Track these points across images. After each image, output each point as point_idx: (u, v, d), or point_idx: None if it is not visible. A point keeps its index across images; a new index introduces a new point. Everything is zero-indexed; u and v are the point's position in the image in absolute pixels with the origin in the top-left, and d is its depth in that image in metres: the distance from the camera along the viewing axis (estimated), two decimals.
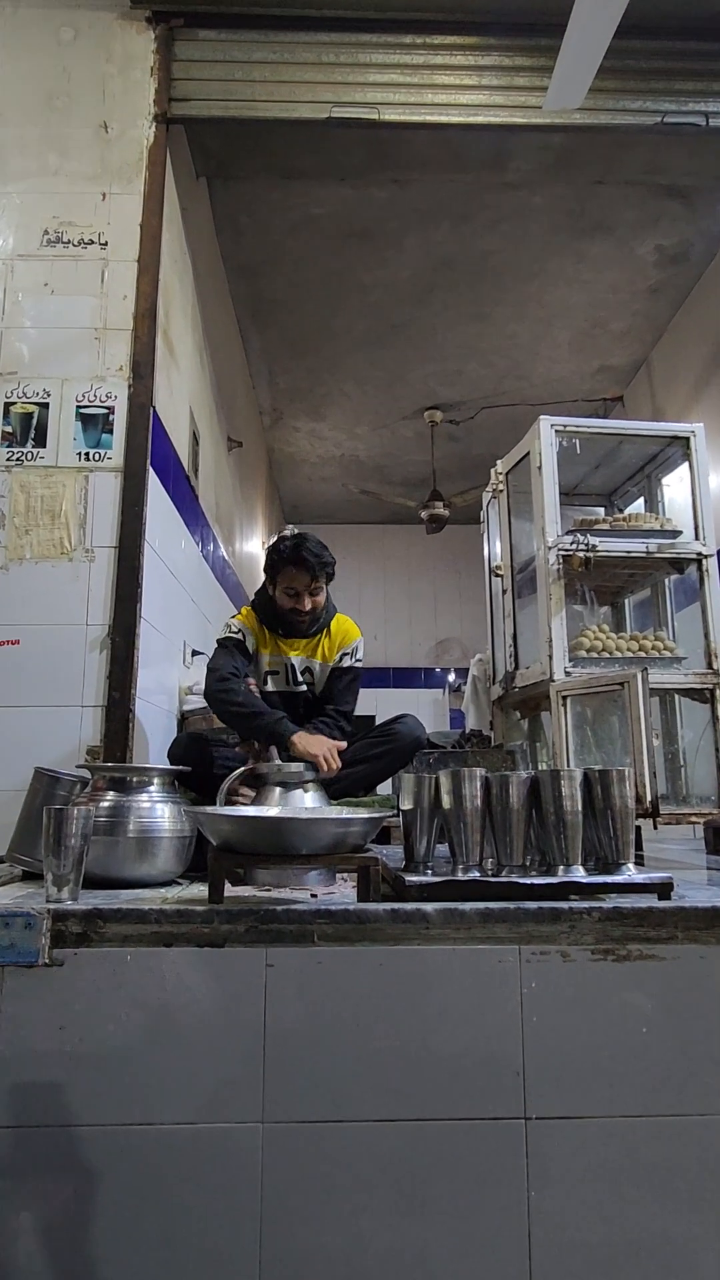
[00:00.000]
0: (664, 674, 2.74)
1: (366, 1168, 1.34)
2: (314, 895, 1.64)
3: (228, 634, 2.65)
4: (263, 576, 2.68)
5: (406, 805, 1.65)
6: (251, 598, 2.80)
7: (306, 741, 2.31)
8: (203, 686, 3.17)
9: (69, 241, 2.79)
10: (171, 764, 2.43)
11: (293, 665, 2.67)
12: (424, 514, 6.02)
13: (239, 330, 4.88)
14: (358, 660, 2.71)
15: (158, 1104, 1.35)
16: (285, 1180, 1.33)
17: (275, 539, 2.63)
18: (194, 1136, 1.34)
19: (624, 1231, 1.35)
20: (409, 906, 1.43)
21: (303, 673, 2.67)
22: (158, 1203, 1.32)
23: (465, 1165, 1.35)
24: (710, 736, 2.73)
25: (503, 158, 3.45)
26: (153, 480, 2.74)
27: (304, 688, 2.66)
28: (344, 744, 2.40)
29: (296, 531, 2.64)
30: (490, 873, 1.56)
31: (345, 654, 2.69)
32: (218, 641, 2.66)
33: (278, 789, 1.98)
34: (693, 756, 2.96)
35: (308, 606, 2.57)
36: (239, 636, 2.63)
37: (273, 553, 2.60)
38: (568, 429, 2.97)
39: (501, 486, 3.29)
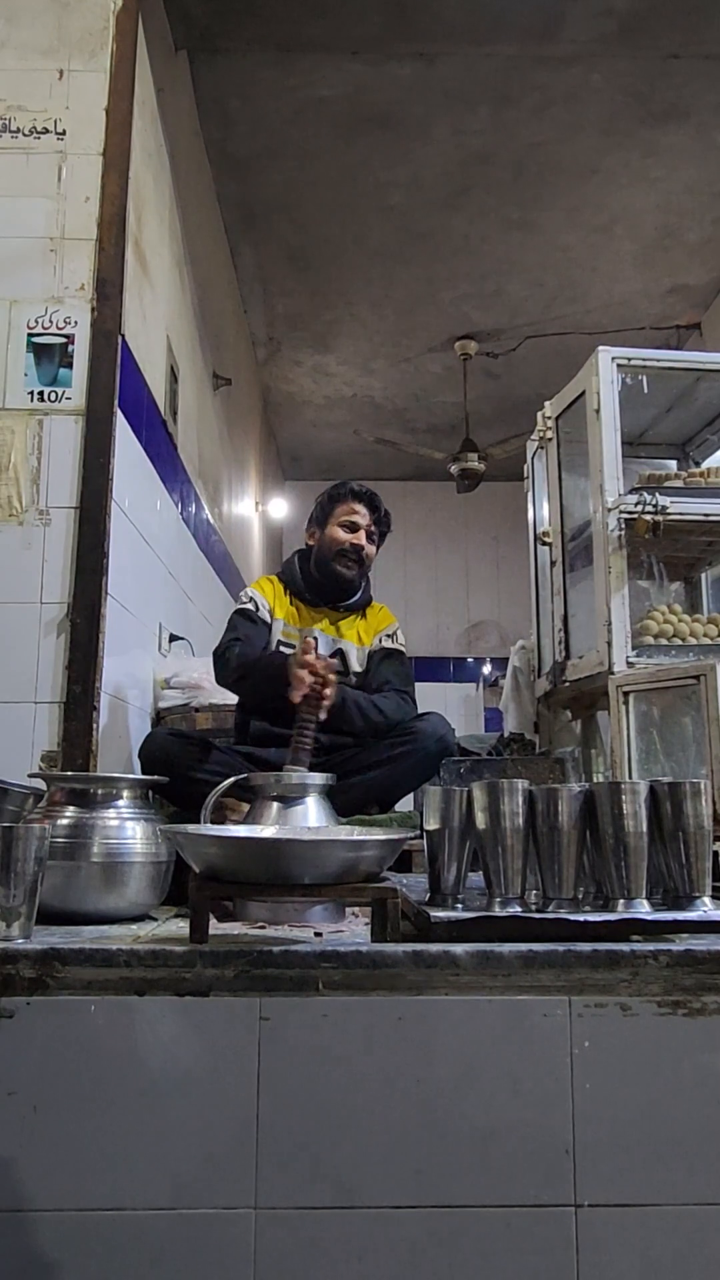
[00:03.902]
0: None
1: (380, 1263, 1.35)
2: (318, 934, 1.64)
3: (237, 606, 2.80)
4: (259, 559, 2.75)
5: (432, 825, 1.65)
6: (250, 580, 2.84)
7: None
8: (181, 679, 3.19)
9: (18, 130, 2.78)
10: (144, 768, 2.45)
11: (318, 641, 2.70)
12: (454, 468, 6.00)
13: (228, 241, 4.86)
14: (400, 644, 2.84)
15: (128, 1185, 1.36)
16: (282, 1278, 1.34)
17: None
18: (172, 1225, 1.35)
19: None
20: (434, 948, 1.43)
21: (330, 656, 2.69)
22: None
23: (501, 1261, 1.35)
24: None
25: (553, 25, 3.41)
26: (121, 426, 2.74)
27: None
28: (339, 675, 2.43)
29: None
30: (534, 907, 1.55)
31: (384, 635, 2.82)
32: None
33: (275, 804, 1.98)
34: None
35: (363, 542, 2.75)
36: (249, 606, 2.76)
37: (327, 492, 2.86)
38: (633, 363, 2.94)
39: (550, 434, 3.27)
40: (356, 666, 2.75)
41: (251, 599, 2.77)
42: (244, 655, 2.59)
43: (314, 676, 2.30)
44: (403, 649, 2.84)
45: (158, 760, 2.41)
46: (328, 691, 2.32)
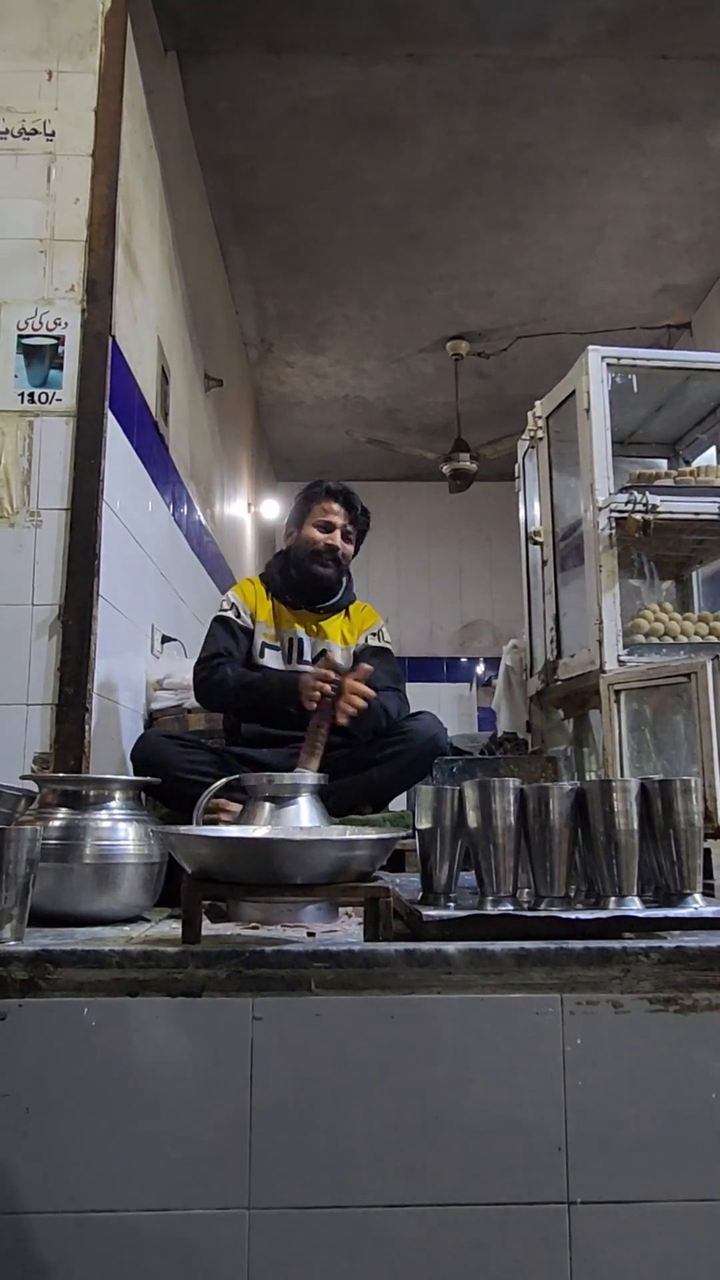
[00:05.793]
0: None
1: (374, 1263, 1.35)
2: (311, 934, 1.64)
3: (217, 613, 2.78)
4: (251, 560, 2.75)
5: (424, 824, 1.65)
6: (240, 579, 2.84)
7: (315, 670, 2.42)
8: (174, 680, 3.18)
9: (7, 131, 2.77)
10: (136, 769, 2.44)
11: (301, 641, 2.71)
12: (446, 468, 6.00)
13: (218, 243, 4.86)
14: (386, 641, 2.83)
15: (121, 1187, 1.35)
16: (276, 1278, 1.34)
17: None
18: (165, 1226, 1.35)
19: None
20: (427, 947, 1.43)
21: (316, 656, 2.69)
22: None
23: (495, 1259, 1.35)
24: None
25: (542, 26, 3.41)
26: (112, 427, 2.74)
27: None
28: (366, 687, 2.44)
29: None
30: (526, 906, 1.55)
31: (370, 634, 2.81)
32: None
33: (267, 804, 1.97)
34: None
35: (338, 542, 2.73)
36: (229, 613, 2.75)
37: (303, 492, 2.83)
38: (622, 362, 2.94)
39: (541, 434, 3.27)
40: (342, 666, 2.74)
41: (233, 605, 2.76)
42: (243, 677, 2.60)
43: (331, 681, 2.34)
44: (389, 646, 2.83)
45: (150, 761, 2.41)
46: (358, 701, 2.35)
